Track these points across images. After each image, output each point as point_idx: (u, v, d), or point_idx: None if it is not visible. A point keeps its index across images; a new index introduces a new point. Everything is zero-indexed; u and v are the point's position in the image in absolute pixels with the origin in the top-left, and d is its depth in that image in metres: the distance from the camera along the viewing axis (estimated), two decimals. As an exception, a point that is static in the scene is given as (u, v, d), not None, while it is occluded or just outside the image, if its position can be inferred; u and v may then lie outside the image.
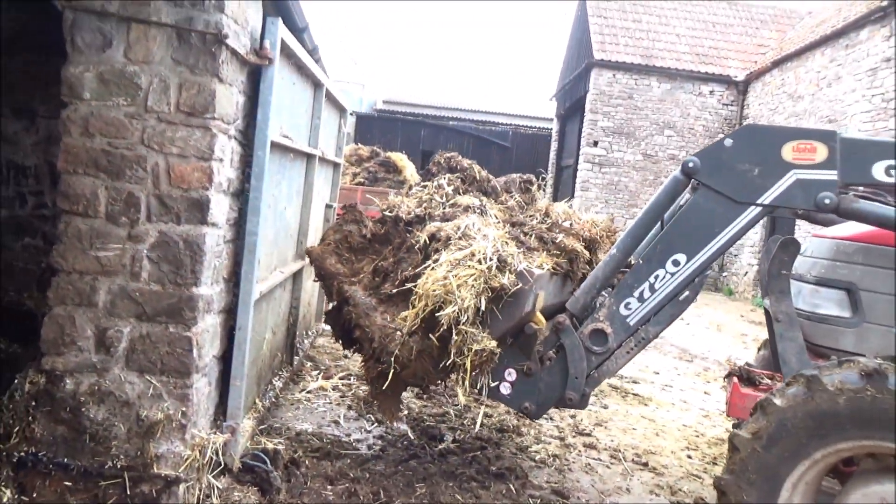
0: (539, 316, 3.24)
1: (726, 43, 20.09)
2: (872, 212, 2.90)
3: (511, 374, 3.33)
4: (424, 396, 5.32)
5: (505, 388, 3.34)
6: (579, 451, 4.73)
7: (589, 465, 4.50)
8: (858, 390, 2.46)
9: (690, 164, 3.07)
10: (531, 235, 3.62)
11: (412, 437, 4.40)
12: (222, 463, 3.11)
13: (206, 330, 3.04)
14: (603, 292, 3.38)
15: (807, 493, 2.66)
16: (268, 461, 3.39)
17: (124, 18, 2.79)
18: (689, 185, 3.22)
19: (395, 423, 3.82)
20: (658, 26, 20.33)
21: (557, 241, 3.63)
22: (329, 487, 3.52)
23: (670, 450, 5.06)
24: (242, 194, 3.36)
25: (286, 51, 3.60)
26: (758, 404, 2.67)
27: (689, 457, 4.98)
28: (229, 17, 2.86)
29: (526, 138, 28.04)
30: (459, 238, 3.22)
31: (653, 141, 19.08)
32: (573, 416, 5.34)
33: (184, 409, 2.90)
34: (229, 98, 3.02)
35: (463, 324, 2.95)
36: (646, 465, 4.66)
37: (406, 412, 4.86)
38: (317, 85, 4.76)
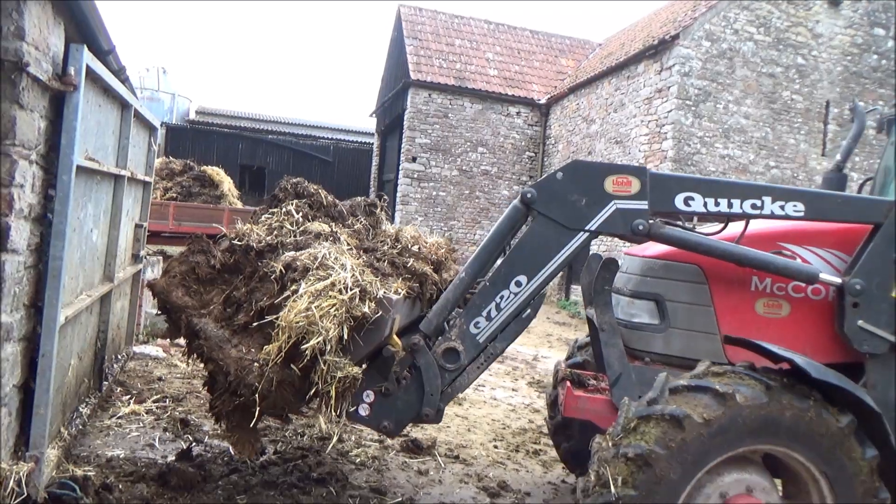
0: (396, 338, 3.36)
1: (530, 69, 21.94)
2: (675, 235, 3.39)
3: (369, 396, 3.43)
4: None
5: (363, 410, 3.43)
6: (397, 451, 5.08)
7: (405, 463, 4.87)
8: (804, 409, 2.82)
9: (528, 195, 3.37)
10: (384, 261, 3.75)
11: (232, 453, 4.47)
12: (25, 493, 3.02)
13: (6, 359, 2.95)
14: (453, 313, 3.57)
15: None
16: (77, 489, 3.32)
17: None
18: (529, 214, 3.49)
19: (251, 453, 3.64)
20: (470, 50, 21.70)
21: (408, 265, 3.79)
22: (145, 509, 3.54)
23: (479, 442, 5.59)
24: (45, 218, 3.29)
25: (91, 75, 3.57)
26: (713, 393, 2.82)
27: (496, 447, 5.55)
28: (30, 45, 2.83)
29: (348, 153, 28.34)
30: (317, 268, 3.25)
31: (467, 157, 20.28)
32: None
33: (-19, 442, 2.79)
34: (30, 124, 2.97)
35: (327, 353, 2.99)
36: (457, 457, 5.13)
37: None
38: (124, 105, 4.68)
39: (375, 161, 25.73)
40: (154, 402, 5.36)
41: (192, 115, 32.31)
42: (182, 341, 6.32)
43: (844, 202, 3.44)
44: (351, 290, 3.11)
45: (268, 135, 28.61)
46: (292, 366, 3.03)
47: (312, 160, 27.76)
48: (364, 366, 3.32)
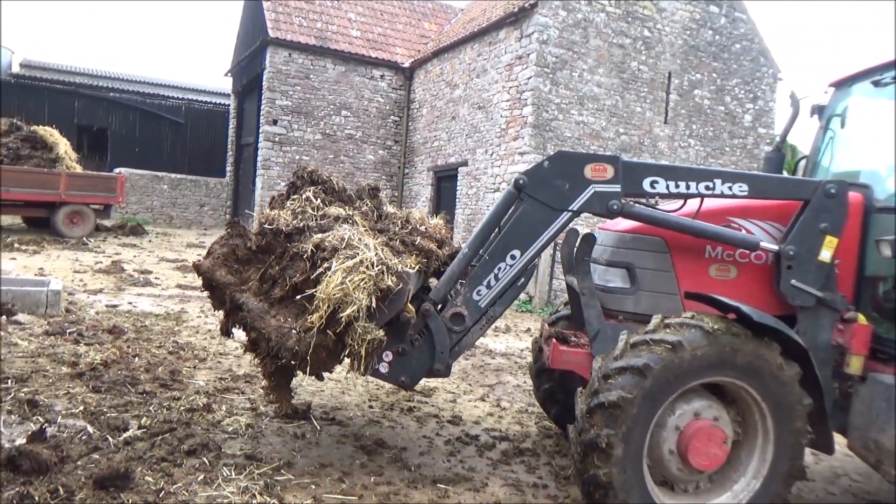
0: (409, 306, 3.90)
1: (393, 31, 21.70)
2: (642, 213, 3.98)
3: (388, 356, 3.93)
4: (103, 390, 5.03)
5: (384, 368, 3.96)
6: (271, 418, 4.98)
7: (281, 428, 4.78)
8: (746, 346, 3.46)
9: (520, 181, 3.91)
10: (396, 240, 4.28)
11: (91, 431, 4.17)
12: None
13: None
14: (458, 283, 4.09)
15: None
16: None
17: None
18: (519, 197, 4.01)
19: (288, 406, 4.51)
20: (331, 9, 21.05)
21: (417, 243, 4.36)
22: (-7, 497, 3.22)
23: (354, 404, 5.61)
24: None
25: None
26: (703, 332, 3.40)
27: (371, 407, 5.59)
28: None
29: (202, 114, 26.68)
30: (345, 248, 3.76)
31: (331, 121, 19.84)
32: (263, 388, 5.54)
33: None
34: None
35: (360, 320, 3.51)
36: (333, 419, 5.12)
37: (82, 407, 4.57)
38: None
39: (233, 124, 24.44)
40: (-7, 384, 4.85)
41: (16, 69, 28.86)
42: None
43: (780, 182, 4.09)
44: (377, 266, 3.64)
45: (109, 93, 26.19)
46: (328, 331, 3.53)
47: (162, 122, 25.87)
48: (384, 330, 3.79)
